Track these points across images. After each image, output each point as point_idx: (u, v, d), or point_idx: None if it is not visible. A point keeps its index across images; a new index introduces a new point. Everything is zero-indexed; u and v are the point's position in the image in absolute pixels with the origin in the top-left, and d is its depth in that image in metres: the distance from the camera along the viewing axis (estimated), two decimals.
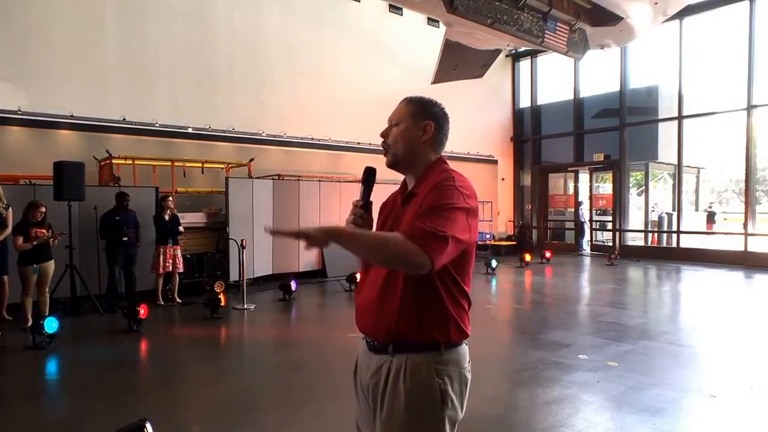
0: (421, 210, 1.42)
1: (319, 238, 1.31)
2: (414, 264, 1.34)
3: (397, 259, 1.37)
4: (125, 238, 6.94)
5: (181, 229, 7.45)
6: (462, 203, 1.44)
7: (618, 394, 3.85)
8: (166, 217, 7.27)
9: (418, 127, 1.59)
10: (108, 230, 6.93)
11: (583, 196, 14.74)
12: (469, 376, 1.55)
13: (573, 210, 14.90)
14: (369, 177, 1.64)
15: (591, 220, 14.44)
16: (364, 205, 1.61)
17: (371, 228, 1.63)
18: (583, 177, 14.84)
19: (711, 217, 15.23)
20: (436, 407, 1.45)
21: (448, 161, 1.64)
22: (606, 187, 15.23)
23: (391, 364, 1.49)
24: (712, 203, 17.24)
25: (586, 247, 14.45)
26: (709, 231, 14.23)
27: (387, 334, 1.49)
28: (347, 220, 1.61)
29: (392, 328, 1.48)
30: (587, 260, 12.86)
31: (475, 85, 12.19)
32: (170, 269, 7.29)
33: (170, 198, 7.46)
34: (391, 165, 1.63)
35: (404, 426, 1.45)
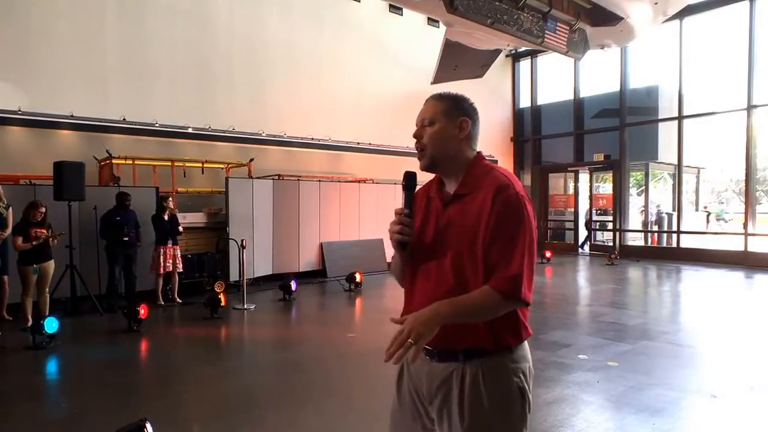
0: (497, 237, 1.42)
1: (432, 331, 1.35)
2: (510, 309, 1.45)
3: (496, 314, 1.44)
4: (126, 238, 6.94)
5: (180, 229, 7.45)
6: (528, 210, 1.46)
7: (618, 394, 3.85)
8: (166, 217, 7.28)
9: (454, 125, 1.55)
10: (108, 230, 6.93)
11: (584, 196, 14.72)
12: (532, 369, 1.57)
13: (573, 210, 14.89)
14: (411, 182, 1.57)
15: (590, 221, 14.42)
16: (409, 213, 1.55)
17: (414, 232, 1.55)
18: (583, 177, 14.83)
19: (707, 217, 15.27)
20: (518, 404, 1.48)
21: None
22: (606, 187, 15.22)
23: (464, 371, 1.47)
24: (707, 205, 17.24)
25: (586, 247, 14.44)
26: (709, 231, 14.23)
27: (458, 344, 1.47)
28: (392, 230, 1.53)
29: (466, 339, 1.46)
30: (587, 260, 12.86)
31: (475, 85, 12.15)
32: (170, 269, 7.30)
33: (171, 198, 7.46)
34: (429, 167, 1.57)
35: (491, 427, 1.46)
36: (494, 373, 1.46)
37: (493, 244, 1.43)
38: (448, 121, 1.54)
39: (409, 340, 1.31)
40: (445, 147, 1.54)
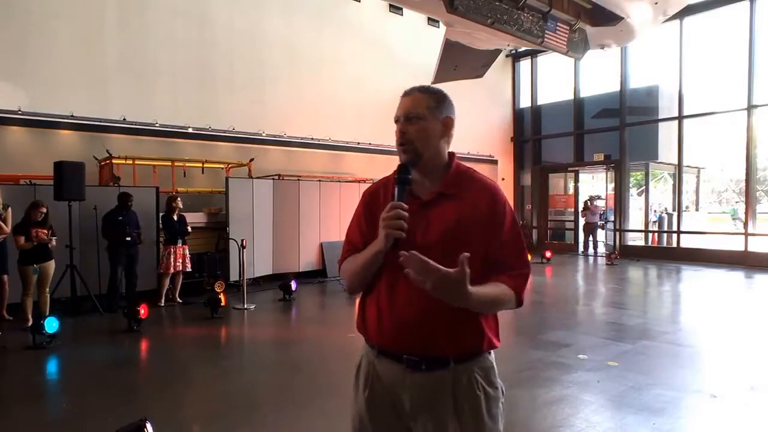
0: (502, 238, 1.46)
1: (453, 299, 1.28)
2: (509, 309, 1.49)
3: (502, 309, 1.48)
4: (128, 238, 6.95)
5: (188, 229, 7.49)
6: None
7: (618, 394, 3.85)
8: (175, 217, 7.32)
9: (439, 121, 1.50)
10: (111, 230, 6.93)
11: (583, 198, 14.69)
12: None
13: (573, 210, 14.88)
14: (406, 175, 1.47)
15: (606, 220, 14.28)
16: (406, 209, 1.41)
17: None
18: (584, 177, 14.82)
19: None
20: (501, 402, 1.50)
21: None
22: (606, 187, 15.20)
23: (456, 377, 1.43)
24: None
25: (601, 248, 14.26)
26: (708, 231, 14.21)
27: (450, 349, 1.42)
28: (390, 225, 1.36)
29: (459, 343, 1.43)
30: (587, 260, 12.86)
31: (475, 85, 12.18)
32: (179, 269, 7.34)
33: (178, 198, 7.51)
34: (412, 162, 1.49)
35: (488, 425, 1.45)
36: (485, 375, 1.47)
37: (499, 244, 1.45)
38: (433, 118, 1.50)
39: (427, 285, 1.24)
40: (431, 144, 1.49)
